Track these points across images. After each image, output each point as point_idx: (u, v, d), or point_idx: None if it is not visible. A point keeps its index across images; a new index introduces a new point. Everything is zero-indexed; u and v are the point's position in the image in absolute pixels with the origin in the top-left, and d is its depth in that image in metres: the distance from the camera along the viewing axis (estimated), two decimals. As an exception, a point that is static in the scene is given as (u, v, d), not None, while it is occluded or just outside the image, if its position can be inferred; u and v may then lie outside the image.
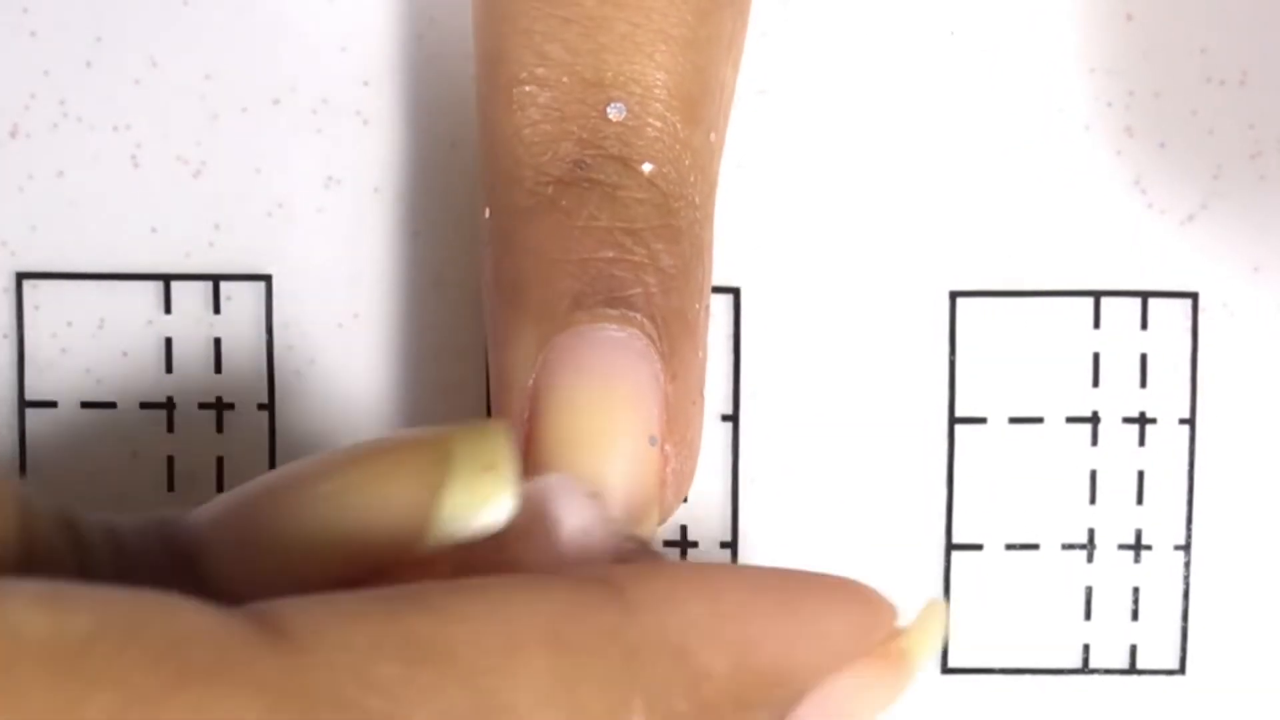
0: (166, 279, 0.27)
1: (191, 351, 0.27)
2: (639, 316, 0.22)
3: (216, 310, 0.27)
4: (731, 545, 0.28)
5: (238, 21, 0.27)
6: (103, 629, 0.15)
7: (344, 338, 0.28)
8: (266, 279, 0.27)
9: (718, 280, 0.27)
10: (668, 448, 0.23)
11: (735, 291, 0.28)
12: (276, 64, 0.27)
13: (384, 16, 0.27)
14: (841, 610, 0.20)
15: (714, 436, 0.28)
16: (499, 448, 0.19)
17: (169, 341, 0.27)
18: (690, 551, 0.28)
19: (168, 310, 0.27)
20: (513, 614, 0.17)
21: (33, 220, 0.27)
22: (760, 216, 0.27)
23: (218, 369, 0.27)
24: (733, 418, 0.28)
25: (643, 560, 0.20)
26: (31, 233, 0.27)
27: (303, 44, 0.27)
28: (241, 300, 0.27)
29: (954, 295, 0.28)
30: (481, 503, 0.19)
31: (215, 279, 0.27)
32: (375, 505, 0.19)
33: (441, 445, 0.19)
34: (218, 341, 0.27)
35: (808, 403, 0.28)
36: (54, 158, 0.27)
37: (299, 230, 0.27)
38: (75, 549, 0.18)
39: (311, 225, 0.27)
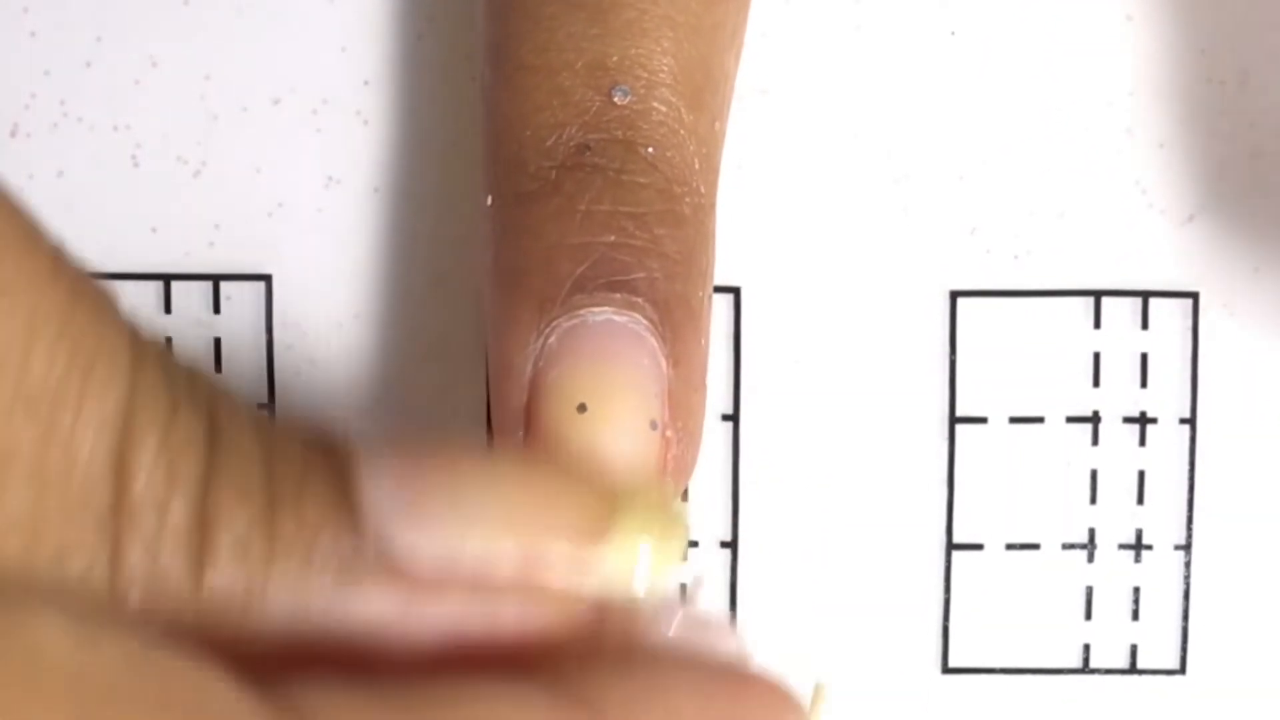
0: (166, 279, 0.27)
1: (191, 351, 0.27)
2: (641, 301, 0.22)
3: (216, 310, 0.27)
4: (732, 545, 0.28)
5: (238, 21, 0.27)
6: (130, 681, 0.14)
7: (344, 338, 0.28)
8: (266, 279, 0.27)
9: (718, 280, 0.27)
10: (669, 434, 0.23)
11: (735, 291, 0.28)
12: (276, 64, 0.27)
13: (384, 16, 0.27)
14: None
15: (714, 436, 0.28)
16: (677, 523, 0.19)
17: (169, 341, 0.27)
18: (690, 551, 0.28)
19: (168, 310, 0.27)
20: None
21: (33, 220, 0.27)
22: (760, 216, 0.27)
23: (218, 369, 0.27)
24: (733, 418, 0.28)
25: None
26: (31, 233, 0.27)
27: (303, 44, 0.27)
28: (241, 300, 0.27)
29: (954, 295, 0.28)
30: (646, 558, 0.18)
31: (215, 279, 0.27)
32: (548, 515, 0.18)
33: (623, 483, 0.19)
34: (218, 341, 0.27)
35: (808, 403, 0.28)
36: (54, 158, 0.27)
37: (299, 230, 0.27)
38: (211, 432, 0.17)
39: (311, 225, 0.27)
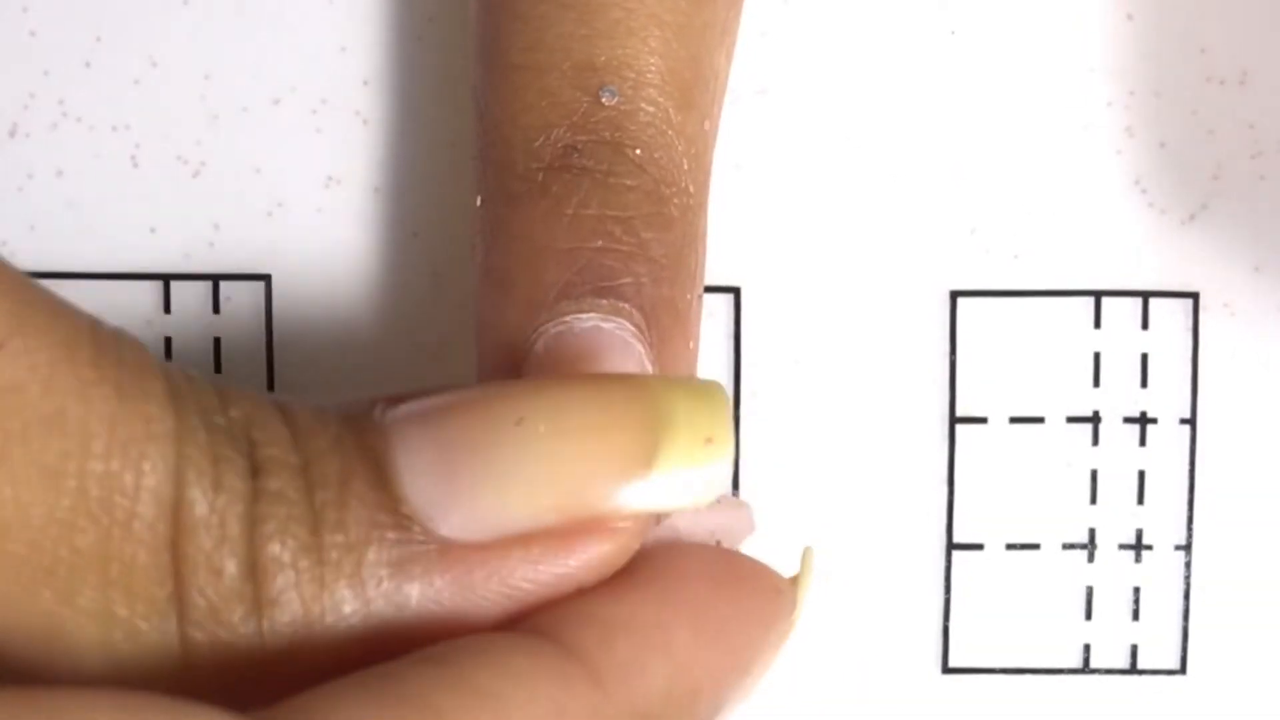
0: (166, 279, 0.27)
1: (191, 351, 0.27)
2: (628, 307, 0.22)
3: (216, 310, 0.27)
4: (731, 545, 0.28)
5: (238, 21, 0.27)
6: None
7: (344, 338, 0.28)
8: (266, 279, 0.27)
9: (718, 280, 0.27)
10: None
11: (735, 291, 0.28)
12: (276, 64, 0.27)
13: (384, 16, 0.27)
14: (768, 619, 0.21)
15: (714, 436, 0.28)
16: (722, 418, 0.19)
17: (169, 341, 0.27)
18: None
19: (168, 310, 0.27)
20: (511, 712, 0.17)
21: (33, 220, 0.27)
22: (760, 216, 0.27)
23: (218, 369, 0.27)
24: (732, 417, 0.28)
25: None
26: (31, 233, 0.27)
27: (303, 44, 0.27)
28: (241, 300, 0.27)
29: (954, 295, 0.28)
30: (694, 478, 0.19)
31: (215, 279, 0.27)
32: (588, 462, 0.19)
33: (662, 405, 0.19)
34: (218, 341, 0.28)
35: (808, 403, 0.28)
36: (54, 158, 0.27)
37: (299, 230, 0.27)
38: (247, 448, 0.18)
39: (311, 225, 0.27)
